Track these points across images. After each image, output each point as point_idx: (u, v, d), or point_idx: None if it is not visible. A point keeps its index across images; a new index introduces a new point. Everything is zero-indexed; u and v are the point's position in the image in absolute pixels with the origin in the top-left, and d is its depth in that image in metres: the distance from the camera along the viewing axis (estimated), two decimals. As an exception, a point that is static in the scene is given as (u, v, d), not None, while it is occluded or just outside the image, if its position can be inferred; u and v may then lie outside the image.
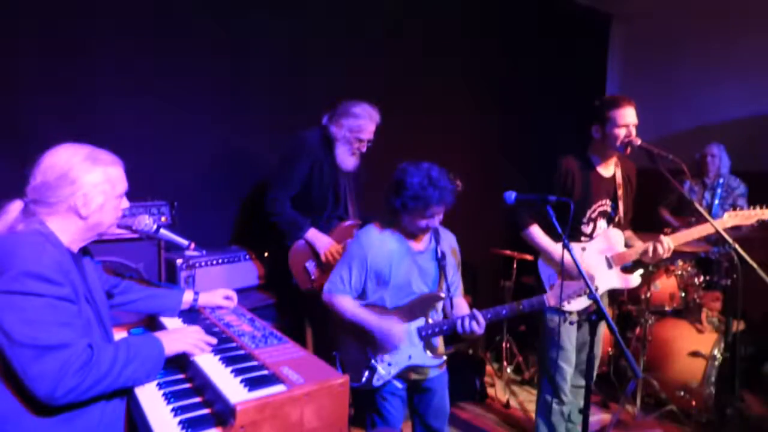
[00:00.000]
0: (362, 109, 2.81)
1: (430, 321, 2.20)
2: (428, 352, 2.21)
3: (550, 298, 2.23)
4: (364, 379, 2.16)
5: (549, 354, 2.69)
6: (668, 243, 2.55)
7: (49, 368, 1.29)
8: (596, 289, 2.60)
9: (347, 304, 2.20)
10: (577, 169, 2.61)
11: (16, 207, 1.49)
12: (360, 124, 2.81)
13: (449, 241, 2.37)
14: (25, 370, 1.29)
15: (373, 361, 2.16)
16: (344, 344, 2.25)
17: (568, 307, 2.51)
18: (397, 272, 2.19)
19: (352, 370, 2.19)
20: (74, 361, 1.32)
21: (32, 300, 1.32)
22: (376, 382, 2.16)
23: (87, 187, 1.48)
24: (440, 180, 2.08)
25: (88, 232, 1.55)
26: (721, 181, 4.09)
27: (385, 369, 2.16)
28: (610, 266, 2.65)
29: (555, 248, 2.57)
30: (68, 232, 1.50)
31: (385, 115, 2.93)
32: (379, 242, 2.20)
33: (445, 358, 2.27)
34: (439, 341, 2.36)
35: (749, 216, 2.62)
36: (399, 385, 2.25)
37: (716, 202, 3.33)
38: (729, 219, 2.61)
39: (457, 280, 2.37)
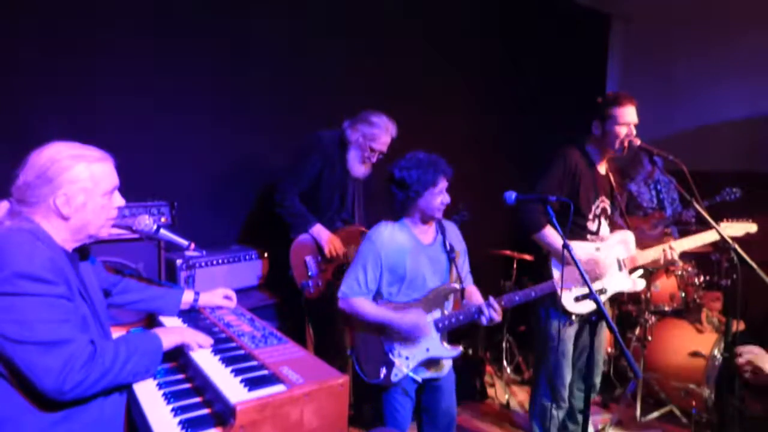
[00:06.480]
0: (380, 119, 2.89)
1: (446, 312, 2.23)
2: (445, 343, 2.23)
3: (558, 283, 2.23)
4: (382, 375, 2.18)
5: (549, 359, 2.65)
6: (678, 248, 2.63)
7: (55, 362, 1.29)
8: (604, 291, 2.59)
9: (366, 306, 2.20)
10: (582, 163, 2.58)
11: (2, 208, 1.45)
12: (374, 132, 2.88)
13: (453, 231, 2.39)
14: (31, 367, 1.28)
15: (390, 356, 2.18)
16: (360, 342, 2.25)
17: (573, 309, 2.50)
18: (411, 266, 2.22)
19: (369, 367, 2.21)
20: (79, 355, 1.32)
21: (28, 300, 1.30)
22: (394, 377, 2.18)
23: (66, 185, 1.42)
24: (430, 156, 2.19)
25: (77, 234, 1.48)
26: (657, 176, 4.14)
27: (403, 363, 2.18)
28: (620, 269, 2.63)
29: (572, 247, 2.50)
30: (56, 232, 1.45)
31: (385, 114, 2.94)
32: (390, 238, 2.22)
33: (461, 348, 2.27)
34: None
35: (738, 228, 2.72)
36: (418, 378, 2.24)
37: (660, 196, 3.38)
38: (726, 228, 2.70)
39: (466, 267, 2.40)
